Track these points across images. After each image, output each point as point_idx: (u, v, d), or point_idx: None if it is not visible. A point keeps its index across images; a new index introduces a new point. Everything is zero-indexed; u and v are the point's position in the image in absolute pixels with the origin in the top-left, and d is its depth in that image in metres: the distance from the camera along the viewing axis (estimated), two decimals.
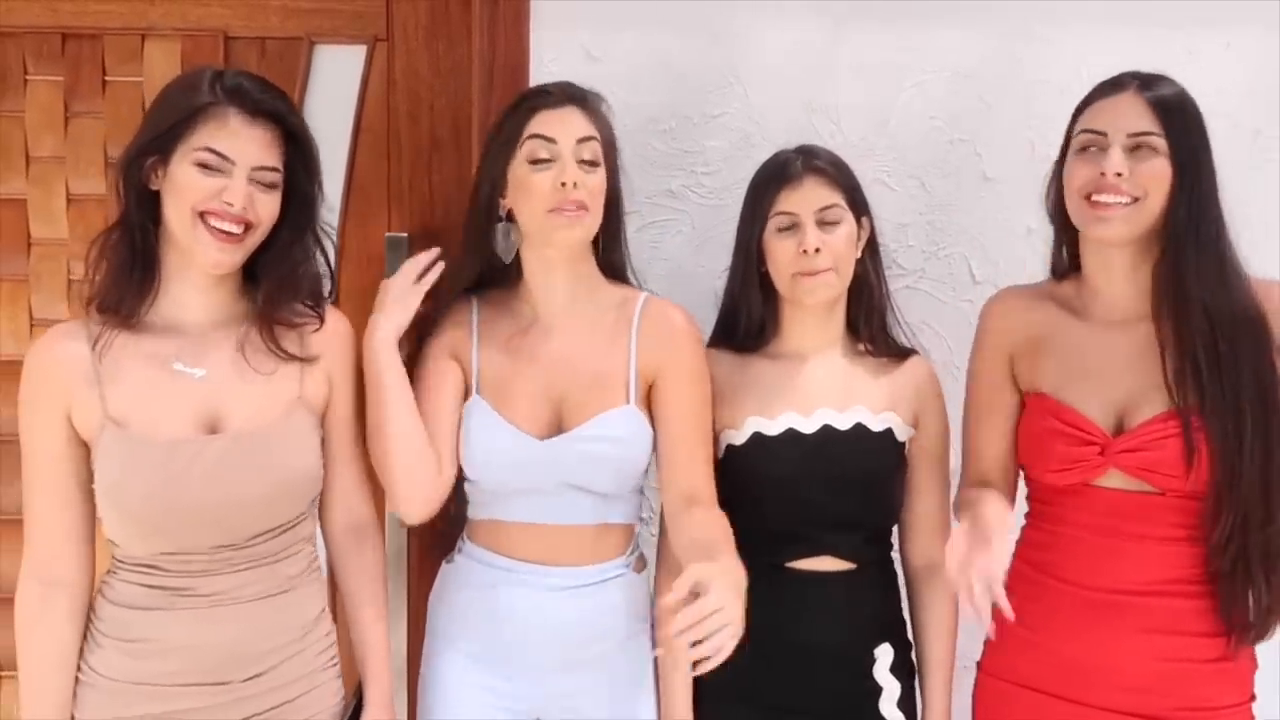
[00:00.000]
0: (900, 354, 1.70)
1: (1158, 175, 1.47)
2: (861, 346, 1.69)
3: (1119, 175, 1.46)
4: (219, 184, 1.38)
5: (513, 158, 1.57)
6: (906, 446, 1.67)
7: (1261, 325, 1.47)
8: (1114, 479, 1.51)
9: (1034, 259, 1.68)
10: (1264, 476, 1.44)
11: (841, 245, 1.61)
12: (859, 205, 1.65)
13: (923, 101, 2.02)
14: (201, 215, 1.38)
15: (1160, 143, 1.47)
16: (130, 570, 1.42)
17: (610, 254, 1.67)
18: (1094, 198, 1.48)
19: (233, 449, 1.41)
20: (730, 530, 1.53)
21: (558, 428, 1.59)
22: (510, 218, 1.61)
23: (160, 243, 1.44)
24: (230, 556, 1.42)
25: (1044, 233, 1.65)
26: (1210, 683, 1.49)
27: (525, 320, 1.63)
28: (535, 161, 1.55)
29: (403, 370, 1.55)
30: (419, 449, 1.54)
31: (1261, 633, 1.48)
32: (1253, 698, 1.54)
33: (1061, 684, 1.54)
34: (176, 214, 1.40)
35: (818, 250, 1.58)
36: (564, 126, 1.55)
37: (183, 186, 1.38)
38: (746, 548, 1.64)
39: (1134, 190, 1.47)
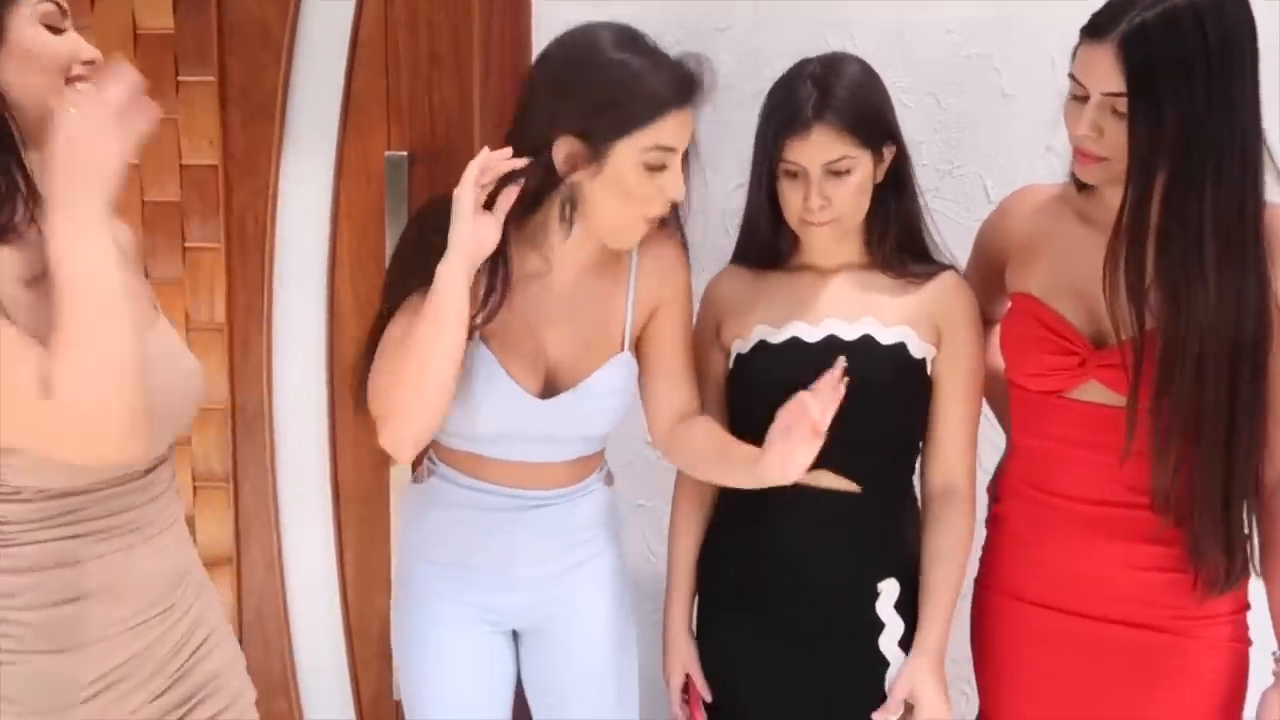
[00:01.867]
0: (927, 273, 1.62)
1: (1119, 142, 1.39)
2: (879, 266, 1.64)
3: (1087, 135, 1.41)
4: (69, 44, 1.20)
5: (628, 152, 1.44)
6: (928, 366, 1.62)
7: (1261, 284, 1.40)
8: (1093, 391, 1.48)
9: (1052, 178, 1.63)
10: (1229, 427, 1.40)
11: (850, 195, 1.55)
12: (878, 139, 1.57)
13: (939, 14, 1.95)
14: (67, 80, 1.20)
15: (1124, 105, 1.38)
16: (51, 527, 1.22)
17: None
18: (1075, 147, 1.46)
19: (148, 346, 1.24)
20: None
21: (553, 383, 1.55)
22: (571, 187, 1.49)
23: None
24: (155, 479, 1.30)
25: (1063, 151, 1.59)
26: None
27: (533, 267, 1.56)
28: (654, 168, 1.45)
29: (466, 309, 1.43)
30: (450, 390, 1.46)
31: (1227, 586, 1.45)
32: (1247, 606, 1.53)
33: (1057, 596, 1.54)
34: (36, 78, 1.18)
35: (822, 205, 1.54)
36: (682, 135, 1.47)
37: (33, 48, 1.17)
38: None
39: (1101, 151, 1.42)
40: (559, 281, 1.56)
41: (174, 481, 1.36)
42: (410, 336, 1.44)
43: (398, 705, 2.10)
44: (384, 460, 2.02)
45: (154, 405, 1.19)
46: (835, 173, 1.53)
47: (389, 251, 1.93)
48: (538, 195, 1.49)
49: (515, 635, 1.69)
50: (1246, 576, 1.48)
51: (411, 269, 1.49)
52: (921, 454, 1.68)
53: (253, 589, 2.12)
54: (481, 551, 1.61)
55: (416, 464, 1.71)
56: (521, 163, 1.44)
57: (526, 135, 1.47)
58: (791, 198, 1.56)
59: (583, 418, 1.57)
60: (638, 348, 1.62)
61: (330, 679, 2.13)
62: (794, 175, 1.55)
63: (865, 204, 1.58)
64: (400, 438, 1.47)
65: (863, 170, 1.55)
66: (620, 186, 1.46)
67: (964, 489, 1.63)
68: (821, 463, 1.57)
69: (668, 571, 1.73)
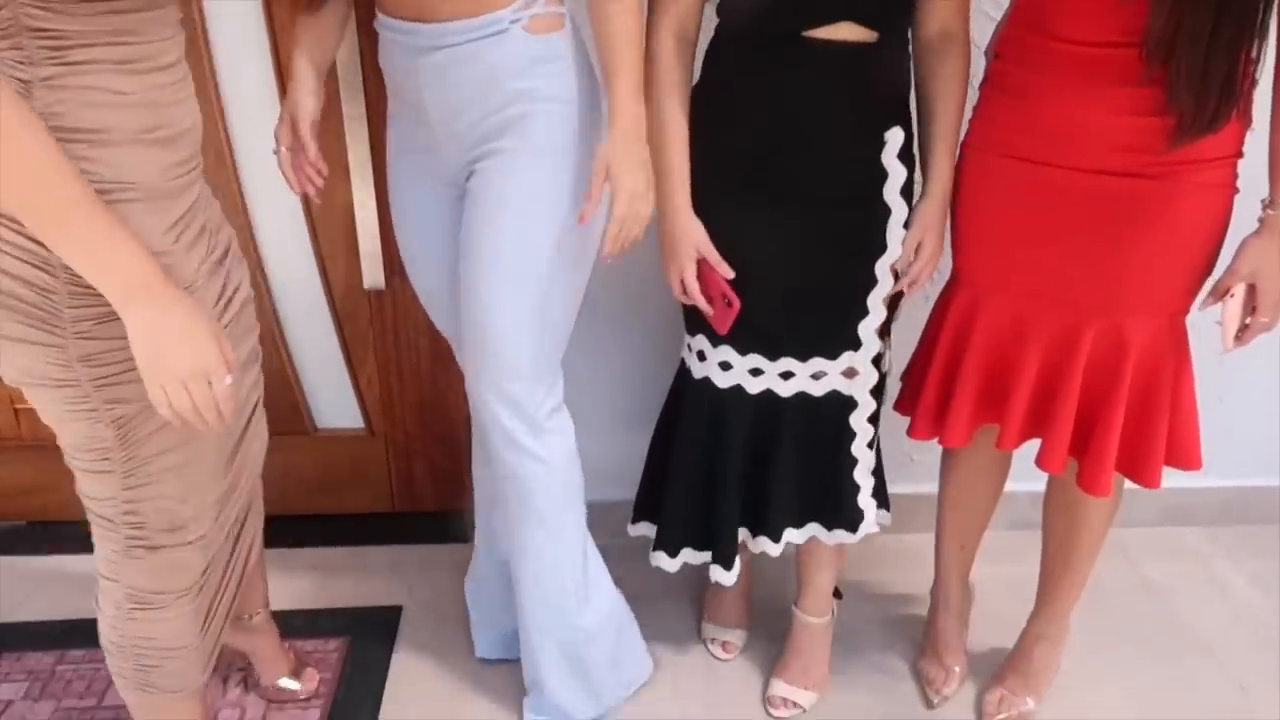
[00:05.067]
0: None
1: None
2: None
3: None
4: None
5: None
6: None
7: None
8: None
9: None
10: None
11: None
12: None
13: None
14: None
15: None
16: (95, 45, 1.18)
17: None
18: None
19: None
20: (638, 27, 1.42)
21: None
22: None
23: None
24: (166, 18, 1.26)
25: None
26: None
27: None
28: None
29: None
30: None
31: (1199, 131, 1.41)
32: (1240, 154, 1.50)
33: (1049, 151, 1.51)
34: None
35: None
36: None
37: None
38: (763, 17, 1.51)
39: None
40: None
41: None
42: None
43: (369, 295, 2.10)
44: None
45: None
46: None
47: None
48: None
49: None
50: (1223, 122, 1.41)
51: None
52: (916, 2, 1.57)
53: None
54: (405, 106, 1.54)
55: None
56: None
57: None
58: None
59: None
60: None
61: (301, 273, 2.11)
62: None
63: None
64: None
65: None
66: None
67: (961, 33, 1.57)
68: (840, 12, 1.48)
69: (656, 142, 1.51)
